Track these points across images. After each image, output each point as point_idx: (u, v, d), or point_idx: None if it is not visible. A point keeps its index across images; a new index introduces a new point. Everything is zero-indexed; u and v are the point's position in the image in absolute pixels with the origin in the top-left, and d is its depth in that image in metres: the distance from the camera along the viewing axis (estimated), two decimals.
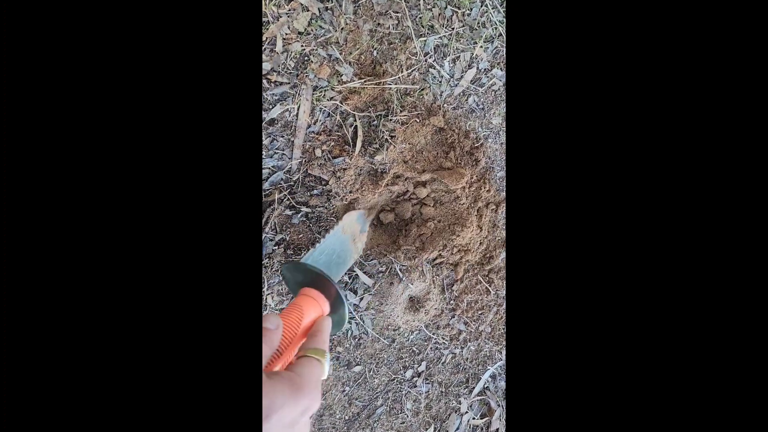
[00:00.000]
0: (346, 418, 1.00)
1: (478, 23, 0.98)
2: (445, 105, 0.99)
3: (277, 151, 0.86)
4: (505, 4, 1.00)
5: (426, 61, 0.95)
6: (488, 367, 1.14)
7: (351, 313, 0.90)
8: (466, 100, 1.01)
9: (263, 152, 0.86)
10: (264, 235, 0.88)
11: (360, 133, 0.91)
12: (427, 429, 1.09)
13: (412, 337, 1.05)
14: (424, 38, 0.93)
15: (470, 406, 1.13)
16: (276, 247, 0.90)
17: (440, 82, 0.97)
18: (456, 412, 1.12)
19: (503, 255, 1.11)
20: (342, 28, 0.86)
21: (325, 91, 0.87)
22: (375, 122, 0.93)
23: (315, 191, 0.90)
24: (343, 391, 0.99)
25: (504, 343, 1.14)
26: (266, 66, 0.81)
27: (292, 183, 0.88)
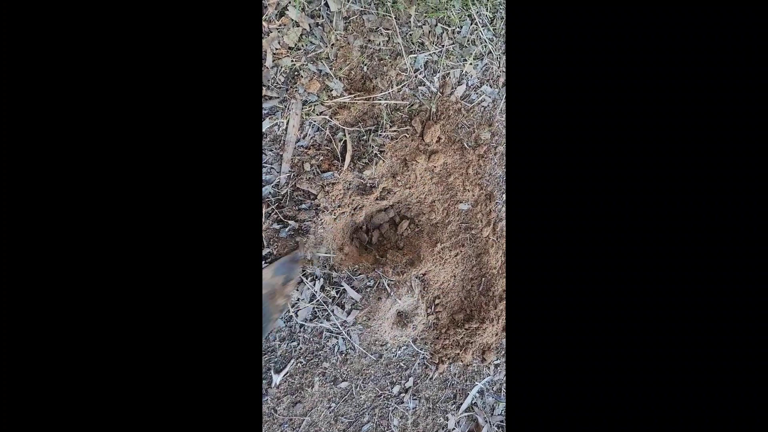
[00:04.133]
0: None
1: (468, 41, 0.99)
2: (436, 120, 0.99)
3: (265, 165, 0.85)
4: (494, 22, 1.01)
5: (416, 77, 0.95)
6: (476, 383, 1.14)
7: None
8: (456, 116, 1.02)
9: None
10: None
11: (349, 147, 0.91)
12: None
13: (399, 352, 1.04)
14: (414, 55, 0.94)
15: (458, 423, 1.12)
16: (263, 263, 0.89)
17: (430, 98, 0.98)
18: (443, 428, 1.11)
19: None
20: (332, 44, 0.86)
21: (314, 105, 0.87)
22: (364, 137, 0.93)
23: (303, 205, 0.90)
24: (329, 407, 0.98)
25: (492, 358, 1.14)
26: None
27: (281, 197, 0.88)
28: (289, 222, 0.89)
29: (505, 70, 1.04)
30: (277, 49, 0.81)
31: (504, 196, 1.11)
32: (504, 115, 1.06)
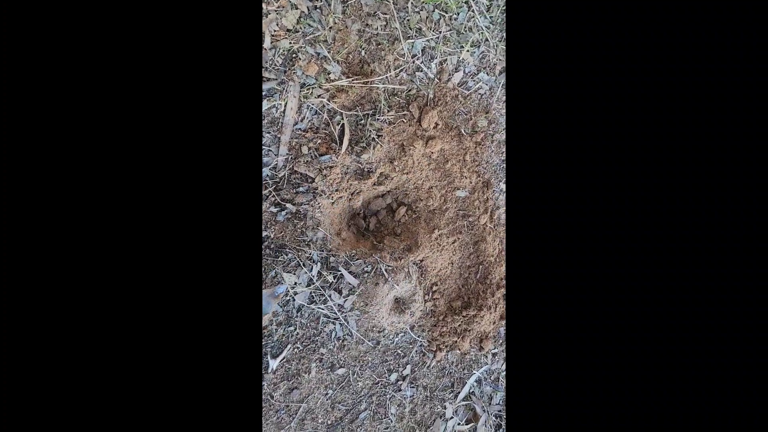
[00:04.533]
0: (329, 422, 0.98)
1: (465, 28, 1.00)
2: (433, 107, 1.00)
3: (263, 147, 0.85)
4: (491, 10, 1.02)
5: (414, 62, 0.96)
6: (474, 372, 1.13)
7: None
8: (453, 102, 1.02)
9: None
10: None
11: (347, 131, 0.91)
12: None
13: (397, 339, 1.04)
14: (412, 40, 0.95)
15: (455, 412, 1.12)
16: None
17: (427, 84, 0.98)
18: (441, 417, 1.10)
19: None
20: (330, 27, 0.87)
21: (312, 88, 0.87)
22: (362, 121, 0.93)
23: (301, 188, 0.89)
24: (326, 394, 0.97)
25: (489, 346, 1.14)
26: None
27: (278, 180, 0.87)
28: (287, 205, 0.89)
29: (502, 58, 1.05)
30: (275, 30, 0.81)
31: (501, 183, 1.11)
32: (500, 103, 1.07)
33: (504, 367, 1.19)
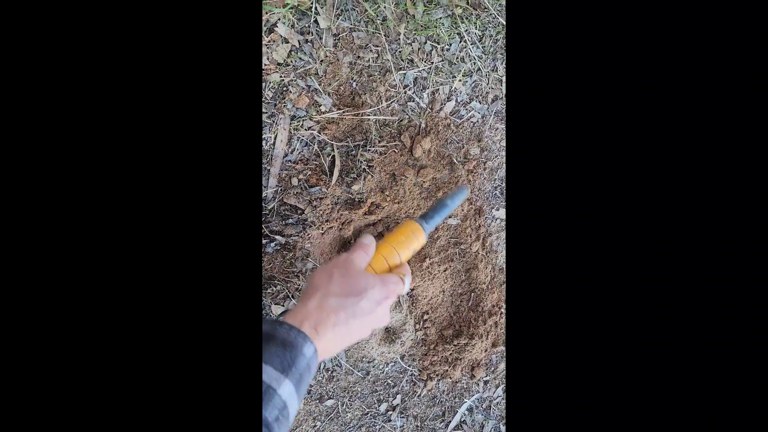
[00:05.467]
0: None
1: (457, 58, 1.00)
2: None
3: None
4: (483, 40, 1.02)
5: (405, 93, 0.96)
6: (465, 400, 1.12)
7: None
8: (445, 131, 1.02)
9: None
10: None
11: (338, 162, 0.91)
12: None
13: (387, 369, 1.03)
14: (404, 71, 0.95)
15: None
16: None
17: (419, 113, 0.98)
18: None
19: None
20: (321, 60, 0.87)
21: (303, 120, 0.87)
22: (353, 152, 0.93)
23: (290, 220, 0.89)
24: (315, 426, 0.96)
25: (481, 374, 1.13)
26: None
27: (267, 212, 0.87)
28: (276, 237, 0.88)
29: (494, 86, 1.05)
30: (265, 64, 0.81)
31: (493, 210, 1.11)
32: (493, 131, 1.07)
33: (495, 394, 1.18)
